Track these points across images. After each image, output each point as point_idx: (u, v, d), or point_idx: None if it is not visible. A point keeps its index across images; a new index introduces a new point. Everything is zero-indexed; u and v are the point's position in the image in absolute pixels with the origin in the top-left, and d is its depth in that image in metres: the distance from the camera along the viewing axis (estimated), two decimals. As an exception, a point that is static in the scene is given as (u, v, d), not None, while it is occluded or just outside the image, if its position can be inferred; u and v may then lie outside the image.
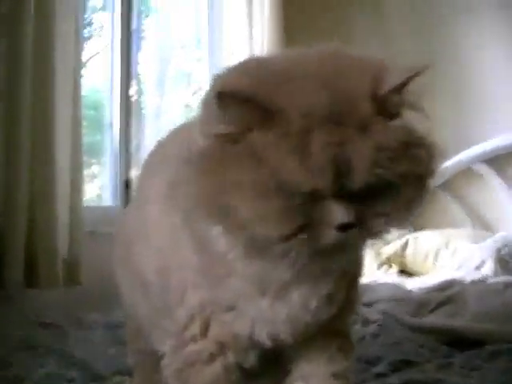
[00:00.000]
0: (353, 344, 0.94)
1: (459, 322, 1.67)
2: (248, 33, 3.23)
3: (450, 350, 1.51)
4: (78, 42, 2.39)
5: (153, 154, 1.07)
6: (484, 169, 3.05)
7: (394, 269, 2.76)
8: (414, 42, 3.23)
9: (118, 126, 2.87)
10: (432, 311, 1.84)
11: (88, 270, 2.28)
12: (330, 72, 0.73)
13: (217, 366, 0.84)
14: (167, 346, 0.88)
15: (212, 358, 0.84)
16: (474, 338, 1.55)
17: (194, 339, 0.85)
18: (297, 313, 0.81)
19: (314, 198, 0.69)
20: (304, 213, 0.69)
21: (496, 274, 2.36)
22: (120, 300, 1.15)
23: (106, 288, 1.23)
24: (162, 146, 1.06)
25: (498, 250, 2.46)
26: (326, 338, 0.89)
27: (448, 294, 1.92)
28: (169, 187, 0.87)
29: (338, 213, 0.69)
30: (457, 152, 3.09)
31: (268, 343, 0.82)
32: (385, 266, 2.78)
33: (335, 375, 0.89)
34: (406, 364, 1.37)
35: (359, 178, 0.68)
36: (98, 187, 3.09)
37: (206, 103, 0.76)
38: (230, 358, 0.84)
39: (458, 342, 1.56)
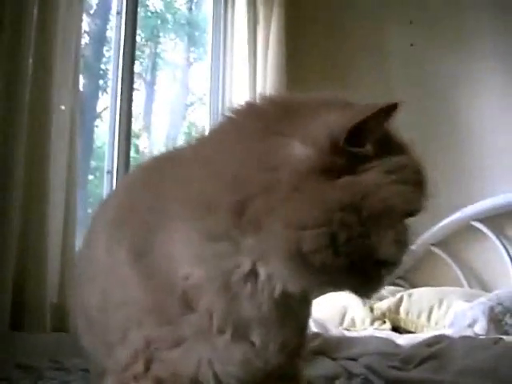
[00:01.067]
0: None
1: (441, 376, 1.63)
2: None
3: (429, 404, 1.48)
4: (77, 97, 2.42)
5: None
6: (481, 228, 3.04)
7: (388, 325, 2.72)
8: (413, 91, 3.29)
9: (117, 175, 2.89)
10: (416, 366, 1.80)
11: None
12: None
13: None
14: None
15: None
16: (456, 394, 1.52)
17: (135, 378, 0.81)
18: (251, 355, 0.78)
19: None
20: None
21: (488, 333, 2.32)
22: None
23: None
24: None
25: (491, 309, 2.42)
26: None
27: (434, 349, 1.89)
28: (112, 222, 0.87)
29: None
30: (454, 210, 3.10)
31: None
32: (378, 322, 2.74)
33: None
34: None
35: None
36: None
37: None
38: None
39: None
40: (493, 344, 1.95)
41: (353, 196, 0.71)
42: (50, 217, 2.21)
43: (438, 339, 2.04)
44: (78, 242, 2.47)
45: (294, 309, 0.76)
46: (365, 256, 0.72)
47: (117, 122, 2.91)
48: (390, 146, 0.76)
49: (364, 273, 0.74)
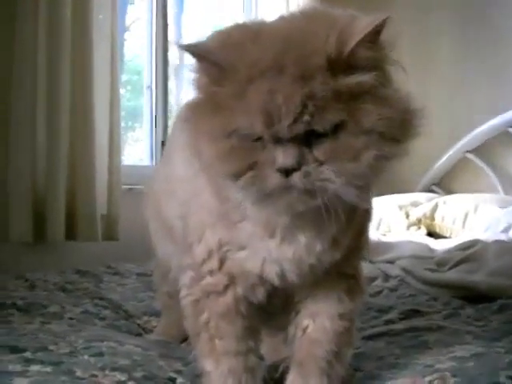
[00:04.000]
0: (362, 287, 1.00)
1: (475, 277, 1.72)
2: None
3: (462, 303, 1.57)
4: (115, 5, 2.46)
5: (179, 115, 1.17)
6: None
7: (423, 231, 2.80)
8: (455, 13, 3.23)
9: (156, 90, 2.97)
10: (451, 268, 1.89)
11: (125, 226, 2.40)
12: (292, 30, 0.79)
13: (228, 297, 0.93)
14: (187, 278, 0.97)
15: (225, 290, 0.93)
16: (489, 293, 1.61)
17: (210, 273, 0.94)
18: (302, 254, 0.88)
19: (258, 142, 0.76)
20: (251, 155, 0.77)
21: (521, 238, 2.38)
22: (152, 251, 1.29)
23: (142, 243, 1.34)
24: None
25: (525, 215, 2.48)
26: (335, 280, 0.96)
27: (468, 253, 1.97)
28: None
29: (278, 156, 0.75)
30: (489, 117, 3.10)
31: (276, 281, 0.90)
32: (414, 228, 2.82)
33: (341, 315, 0.96)
34: (415, 313, 1.44)
35: (285, 123, 0.73)
36: (139, 150, 3.21)
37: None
38: (239, 291, 0.93)
39: (472, 297, 1.62)
40: (524, 247, 2.02)
41: None
42: (96, 132, 2.32)
43: (472, 243, 2.12)
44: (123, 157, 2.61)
45: (286, 204, 0.80)
46: None
47: (153, 33, 2.96)
48: None
49: None
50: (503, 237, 2.36)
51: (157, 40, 2.96)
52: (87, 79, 2.30)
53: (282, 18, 0.85)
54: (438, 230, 2.83)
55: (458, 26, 3.27)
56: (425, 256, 2.10)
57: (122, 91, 2.73)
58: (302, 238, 0.87)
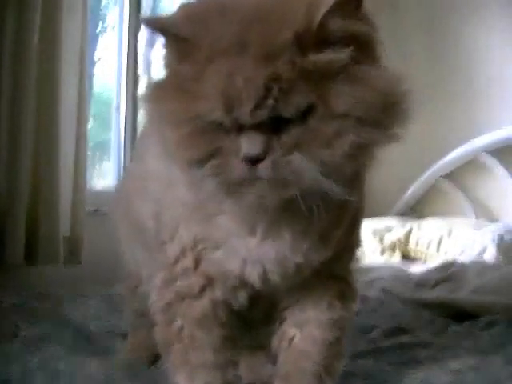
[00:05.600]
0: (355, 290, 0.92)
1: (458, 295, 1.66)
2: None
3: (447, 321, 1.50)
4: (85, 35, 2.38)
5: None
6: (490, 159, 3.02)
7: (398, 255, 2.75)
8: (424, 37, 3.25)
9: (126, 122, 2.90)
10: (432, 288, 1.83)
11: (89, 249, 2.29)
12: (260, 2, 0.71)
13: (205, 301, 0.84)
14: (158, 280, 0.88)
15: (201, 292, 0.84)
16: (473, 311, 1.54)
17: (185, 273, 0.85)
18: (286, 252, 0.79)
19: (222, 128, 0.69)
20: (214, 141, 0.70)
21: (498, 260, 2.34)
22: (117, 273, 1.19)
23: (106, 267, 1.24)
24: None
25: (501, 237, 2.44)
26: (324, 283, 0.87)
27: (448, 273, 1.91)
28: None
29: (242, 144, 0.68)
30: (462, 142, 3.08)
31: (258, 284, 0.81)
32: (388, 252, 2.77)
33: (331, 323, 0.87)
34: (400, 331, 1.36)
35: (247, 109, 0.66)
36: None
37: None
38: (218, 294, 0.84)
39: (455, 315, 1.55)
40: (504, 266, 1.97)
41: None
42: (61, 153, 2.22)
43: (450, 264, 2.07)
44: (88, 179, 2.50)
45: (254, 196, 0.71)
46: None
47: (123, 65, 2.89)
48: None
49: None
50: (479, 259, 2.32)
51: (128, 72, 2.88)
52: (53, 95, 2.20)
53: None
54: (412, 255, 2.78)
55: (427, 50, 3.27)
56: (404, 277, 2.03)
57: (90, 123, 2.65)
58: (287, 235, 0.79)
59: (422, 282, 1.91)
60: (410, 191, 3.23)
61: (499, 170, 2.97)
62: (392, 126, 0.72)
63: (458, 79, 3.14)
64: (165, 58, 0.76)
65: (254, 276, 0.81)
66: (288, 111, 0.66)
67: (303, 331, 0.87)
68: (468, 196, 3.10)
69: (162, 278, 0.87)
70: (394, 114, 0.71)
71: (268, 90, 0.65)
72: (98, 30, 3.06)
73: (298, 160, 0.67)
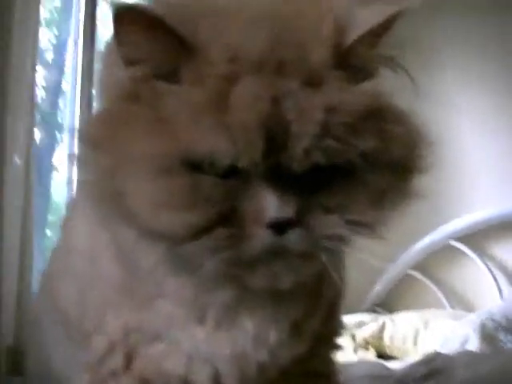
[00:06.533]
0: None
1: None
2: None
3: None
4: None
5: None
6: (461, 247, 2.90)
7: (372, 352, 2.55)
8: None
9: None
10: (416, 385, 1.63)
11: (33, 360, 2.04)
12: (281, 9, 0.56)
13: None
14: None
15: None
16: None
17: (113, 374, 0.65)
18: (246, 348, 0.60)
19: (236, 180, 0.51)
20: (221, 199, 0.51)
21: (481, 350, 2.16)
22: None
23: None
24: None
25: (483, 325, 2.27)
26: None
27: (432, 366, 1.72)
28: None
29: (271, 203, 0.50)
30: (430, 230, 2.97)
31: None
32: (361, 350, 2.56)
33: None
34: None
35: (300, 151, 0.49)
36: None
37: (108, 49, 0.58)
38: None
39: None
40: (494, 356, 1.79)
41: None
42: (4, 265, 2.03)
43: (434, 356, 1.87)
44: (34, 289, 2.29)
45: (274, 276, 0.55)
46: None
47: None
48: None
49: None
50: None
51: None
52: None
53: None
54: (388, 351, 2.59)
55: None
56: (383, 375, 1.83)
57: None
58: (248, 323, 0.60)
59: (405, 378, 1.70)
60: (379, 285, 3.07)
61: (471, 257, 2.85)
62: (415, 175, 0.61)
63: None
64: (131, 74, 0.54)
65: (202, 378, 0.62)
66: (348, 156, 0.52)
67: None
68: (440, 286, 2.96)
69: (86, 381, 0.67)
70: (419, 161, 0.61)
71: (325, 125, 0.50)
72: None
73: (337, 222, 0.53)
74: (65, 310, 0.76)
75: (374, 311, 3.03)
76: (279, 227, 0.50)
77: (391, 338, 2.60)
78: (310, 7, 0.56)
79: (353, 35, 0.54)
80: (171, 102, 0.51)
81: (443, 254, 2.97)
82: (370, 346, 2.60)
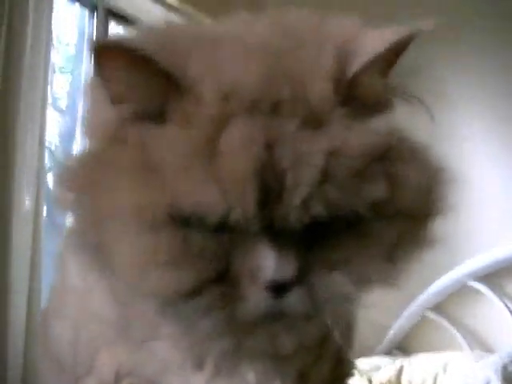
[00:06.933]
0: None
1: None
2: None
3: None
4: None
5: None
6: (479, 286, 2.83)
7: (390, 397, 2.47)
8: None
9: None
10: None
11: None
12: (279, 39, 0.50)
13: None
14: None
15: None
16: None
17: None
18: None
19: (230, 234, 0.46)
20: (213, 256, 0.46)
21: (504, 393, 2.09)
22: None
23: None
24: None
25: (505, 367, 2.19)
26: None
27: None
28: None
29: (268, 262, 0.45)
30: (447, 270, 2.90)
31: None
32: (379, 395, 2.49)
33: None
34: None
35: (297, 203, 0.44)
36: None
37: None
38: None
39: None
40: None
41: None
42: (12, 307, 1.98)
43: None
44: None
45: (272, 339, 0.50)
46: None
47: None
48: None
49: None
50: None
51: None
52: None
53: (244, 21, 0.55)
54: (409, 395, 2.50)
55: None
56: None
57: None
58: (250, 373, 0.55)
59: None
60: (396, 327, 2.99)
61: (489, 297, 2.78)
62: (431, 218, 0.55)
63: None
64: (117, 113, 0.49)
65: None
66: (354, 207, 0.46)
67: None
68: (459, 327, 2.88)
69: None
70: (437, 203, 0.55)
71: (326, 172, 0.44)
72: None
73: (344, 282, 0.48)
74: (57, 353, 0.71)
75: (392, 354, 2.94)
76: (277, 289, 0.45)
77: (410, 381, 2.52)
78: (309, 36, 0.51)
79: (356, 64, 0.48)
80: (158, 146, 0.46)
81: (461, 294, 2.89)
82: (389, 390, 2.52)
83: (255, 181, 0.43)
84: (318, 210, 0.44)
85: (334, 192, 0.44)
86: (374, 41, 0.49)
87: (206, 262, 0.46)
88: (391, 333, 3.00)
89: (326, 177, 0.44)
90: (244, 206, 0.44)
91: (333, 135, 0.45)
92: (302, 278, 0.46)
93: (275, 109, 0.45)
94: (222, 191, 0.44)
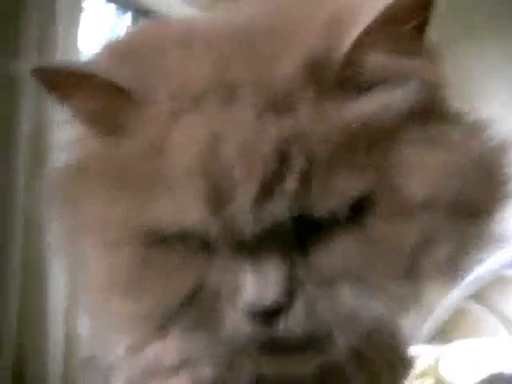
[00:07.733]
0: None
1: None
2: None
3: None
4: None
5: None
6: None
7: (431, 382, 2.48)
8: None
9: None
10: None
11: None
12: (251, 24, 0.44)
13: None
14: None
15: None
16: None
17: None
18: None
19: (201, 247, 0.40)
20: (183, 275, 0.40)
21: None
22: None
23: None
24: None
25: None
26: None
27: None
28: None
29: (245, 281, 0.38)
30: (486, 258, 2.89)
31: None
32: (417, 381, 2.49)
33: None
34: None
35: (248, 204, 0.37)
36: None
37: None
38: None
39: None
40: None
41: None
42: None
43: (497, 376, 1.83)
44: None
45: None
46: None
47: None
48: None
49: None
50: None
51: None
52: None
53: (237, 7, 0.50)
54: (446, 381, 2.50)
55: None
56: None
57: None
58: None
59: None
60: (433, 316, 2.99)
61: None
62: (492, 210, 0.46)
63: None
64: (84, 133, 0.47)
65: None
66: (324, 208, 0.38)
67: None
68: (498, 315, 2.87)
69: None
70: (495, 190, 0.45)
71: (286, 164, 0.37)
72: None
73: (349, 296, 0.39)
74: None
75: (430, 342, 2.95)
76: (262, 316, 0.37)
77: (449, 367, 2.52)
78: (299, 13, 0.44)
79: (348, 38, 0.40)
80: (118, 159, 0.43)
81: (499, 282, 2.88)
82: (427, 376, 2.53)
83: (201, 182, 0.38)
84: (278, 209, 0.37)
85: (295, 186, 0.37)
86: (372, 6, 0.41)
87: (173, 283, 0.41)
88: (430, 321, 3.00)
89: (284, 168, 0.37)
90: (192, 211, 0.38)
91: (297, 120, 0.38)
92: (292, 297, 0.38)
93: (228, 96, 0.40)
94: (171, 200, 0.39)
